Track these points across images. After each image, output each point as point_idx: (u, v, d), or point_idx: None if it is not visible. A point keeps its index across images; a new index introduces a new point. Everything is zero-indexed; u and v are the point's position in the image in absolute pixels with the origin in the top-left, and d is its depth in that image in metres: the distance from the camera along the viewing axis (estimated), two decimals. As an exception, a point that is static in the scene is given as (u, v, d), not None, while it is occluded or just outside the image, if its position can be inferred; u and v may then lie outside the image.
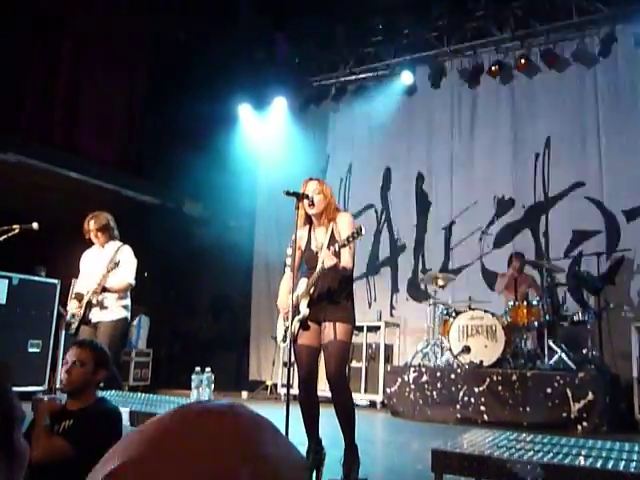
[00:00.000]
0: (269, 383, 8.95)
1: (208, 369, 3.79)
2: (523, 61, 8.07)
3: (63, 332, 7.58)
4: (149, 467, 0.50)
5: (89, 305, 4.55)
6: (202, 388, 3.65)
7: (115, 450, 0.53)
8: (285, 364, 8.10)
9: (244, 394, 8.91)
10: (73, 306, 4.65)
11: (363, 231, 3.28)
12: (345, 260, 3.50)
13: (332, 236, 3.59)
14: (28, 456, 1.02)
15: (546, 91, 8.16)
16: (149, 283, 10.49)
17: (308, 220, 3.74)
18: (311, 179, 3.71)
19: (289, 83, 9.99)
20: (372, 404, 7.61)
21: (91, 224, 4.83)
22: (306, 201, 3.60)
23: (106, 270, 4.55)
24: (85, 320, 4.57)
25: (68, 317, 4.72)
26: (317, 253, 3.63)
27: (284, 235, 9.55)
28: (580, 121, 8.01)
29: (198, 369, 3.81)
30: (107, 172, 9.30)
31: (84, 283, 4.78)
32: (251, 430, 0.54)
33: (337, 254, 3.40)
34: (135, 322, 9.50)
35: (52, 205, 9.46)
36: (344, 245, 3.33)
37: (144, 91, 10.18)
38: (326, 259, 3.39)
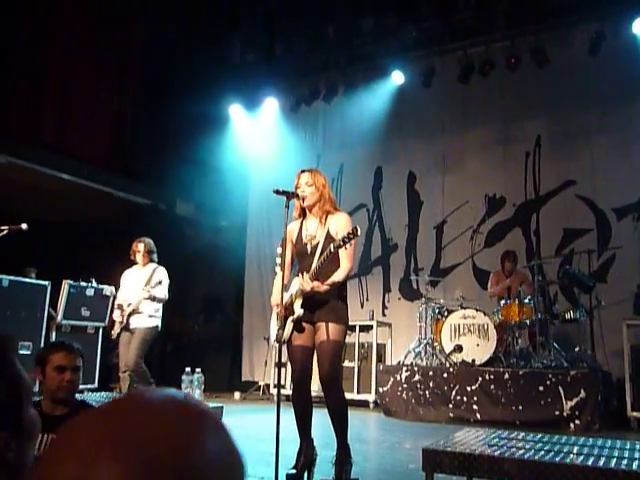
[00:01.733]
0: (262, 384, 8.94)
1: (198, 370, 3.77)
2: (513, 60, 8.08)
3: (54, 334, 7.54)
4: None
5: (130, 314, 5.46)
6: (192, 389, 3.63)
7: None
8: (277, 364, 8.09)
9: (237, 395, 8.89)
10: (117, 315, 5.54)
11: (359, 232, 3.27)
12: (342, 267, 3.53)
13: (328, 234, 3.58)
14: (40, 426, 1.02)
15: (536, 90, 8.17)
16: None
17: (302, 212, 3.75)
18: (303, 171, 3.71)
19: (280, 83, 9.98)
20: (365, 403, 7.60)
21: (140, 247, 5.76)
22: (298, 191, 3.62)
23: (150, 287, 5.50)
24: (126, 327, 5.47)
25: (116, 320, 5.57)
26: (306, 245, 3.63)
27: (276, 235, 9.55)
28: (570, 120, 8.04)
29: (188, 370, 3.79)
30: (98, 173, 9.25)
31: (125, 295, 5.65)
32: (192, 421, 0.52)
33: (333, 257, 3.41)
34: (126, 323, 9.46)
35: (43, 206, 9.42)
36: (340, 246, 3.32)
37: (135, 92, 10.12)
38: (304, 284, 3.46)
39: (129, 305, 5.52)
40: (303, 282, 3.46)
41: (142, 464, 0.46)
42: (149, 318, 5.61)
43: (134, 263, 5.94)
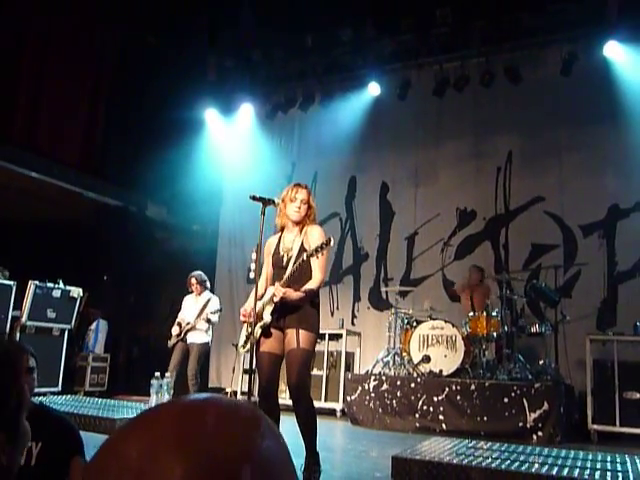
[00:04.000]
0: (229, 390, 8.86)
1: (168, 374, 3.74)
2: (487, 76, 8.23)
3: (17, 334, 7.39)
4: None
5: (187, 331, 6.67)
6: (161, 393, 3.60)
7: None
8: (246, 371, 8.05)
9: (203, 401, 8.79)
10: (175, 330, 6.72)
11: (332, 242, 3.30)
12: (314, 278, 3.55)
13: (302, 246, 3.61)
14: (29, 437, 1.05)
15: (509, 107, 8.33)
16: (109, 287, 10.32)
17: (281, 226, 3.77)
18: (300, 185, 3.72)
19: (256, 89, 9.98)
20: (332, 412, 7.60)
21: (193, 280, 6.90)
22: (290, 209, 3.62)
23: (210, 312, 6.70)
24: (182, 339, 6.65)
25: (173, 334, 6.75)
26: (282, 256, 3.65)
27: (248, 241, 9.53)
28: (541, 137, 8.20)
29: (158, 374, 3.76)
30: (68, 173, 9.12)
31: (183, 316, 6.82)
32: (252, 423, 0.54)
33: (305, 266, 3.42)
34: (93, 326, 9.32)
35: (10, 205, 9.25)
36: (312, 255, 3.34)
37: (108, 92, 10.02)
38: (275, 291, 3.47)
39: (187, 324, 6.70)
40: (275, 289, 3.47)
41: (204, 462, 0.48)
42: (204, 336, 6.75)
43: None
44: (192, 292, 7.00)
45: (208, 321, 6.73)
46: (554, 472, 2.37)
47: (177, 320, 6.85)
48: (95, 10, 9.44)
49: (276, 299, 3.45)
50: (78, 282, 8.25)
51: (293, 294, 3.46)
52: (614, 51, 7.71)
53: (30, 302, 7.55)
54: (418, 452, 2.65)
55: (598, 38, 7.75)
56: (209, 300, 6.88)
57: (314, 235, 3.63)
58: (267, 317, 3.53)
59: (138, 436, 0.50)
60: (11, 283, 7.39)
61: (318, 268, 3.56)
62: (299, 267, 3.44)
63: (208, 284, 7.10)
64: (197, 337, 6.72)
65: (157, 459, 0.48)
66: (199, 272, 7.05)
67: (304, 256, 3.35)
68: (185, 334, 6.70)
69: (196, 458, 0.48)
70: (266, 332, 3.57)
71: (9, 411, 1.01)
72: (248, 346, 3.53)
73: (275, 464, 0.52)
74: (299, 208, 3.64)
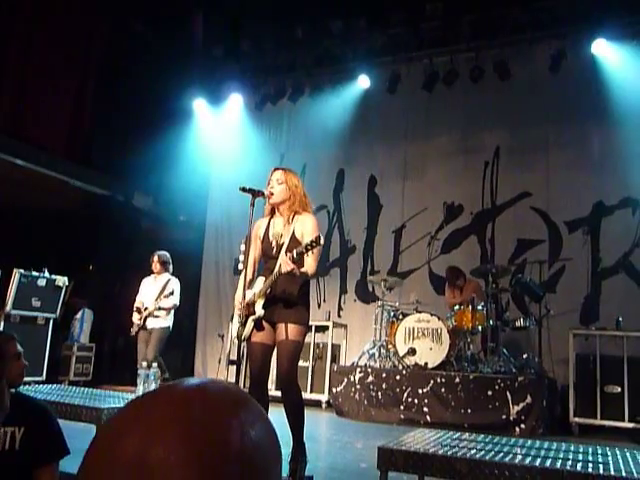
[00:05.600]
0: (214, 381, 8.87)
1: (155, 364, 3.74)
2: (476, 72, 8.27)
3: (2, 323, 7.35)
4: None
5: (147, 317, 6.34)
6: (148, 383, 3.60)
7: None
8: (232, 362, 8.06)
9: (188, 391, 8.80)
10: (136, 317, 6.39)
11: (322, 241, 3.27)
12: (308, 265, 3.51)
13: (293, 235, 3.58)
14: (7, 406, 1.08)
15: (497, 102, 8.38)
16: (94, 276, 10.27)
17: (271, 211, 3.74)
18: (277, 168, 3.71)
19: (246, 80, 9.95)
20: (317, 403, 7.64)
21: (154, 258, 6.61)
22: (266, 192, 3.60)
23: (163, 296, 6.38)
24: (143, 327, 6.33)
25: (134, 321, 6.41)
26: (272, 242, 3.63)
27: (235, 232, 9.52)
28: (529, 133, 8.26)
29: (145, 364, 3.76)
30: (55, 161, 9.04)
31: (142, 299, 6.48)
32: (242, 408, 0.55)
33: (298, 259, 3.39)
34: (78, 315, 9.28)
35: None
36: (302, 254, 3.32)
37: (97, 80, 9.94)
38: (283, 265, 3.35)
39: (146, 309, 6.39)
40: (282, 261, 3.35)
41: (205, 446, 0.49)
42: (164, 320, 6.43)
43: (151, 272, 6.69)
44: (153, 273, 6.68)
45: (159, 309, 6.39)
46: (537, 463, 2.41)
47: (135, 305, 6.51)
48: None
49: (284, 271, 3.33)
50: (63, 271, 8.20)
51: (296, 269, 3.35)
52: (602, 49, 7.77)
53: (15, 291, 7.50)
54: (403, 443, 2.68)
55: (586, 35, 7.81)
56: (168, 281, 6.55)
57: (307, 227, 3.58)
58: (259, 311, 3.53)
59: (130, 430, 0.50)
60: (-5, 271, 7.34)
61: (312, 259, 3.54)
62: (291, 260, 3.39)
63: (171, 267, 6.72)
64: (157, 322, 6.42)
65: (162, 441, 0.49)
66: (164, 252, 6.75)
67: (295, 253, 3.32)
68: (145, 320, 6.39)
69: (198, 442, 0.49)
70: (258, 325, 3.57)
71: None
72: (246, 332, 3.50)
73: (259, 450, 0.53)
74: (272, 188, 3.62)
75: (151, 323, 6.39)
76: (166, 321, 6.44)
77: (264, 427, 0.55)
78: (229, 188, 8.86)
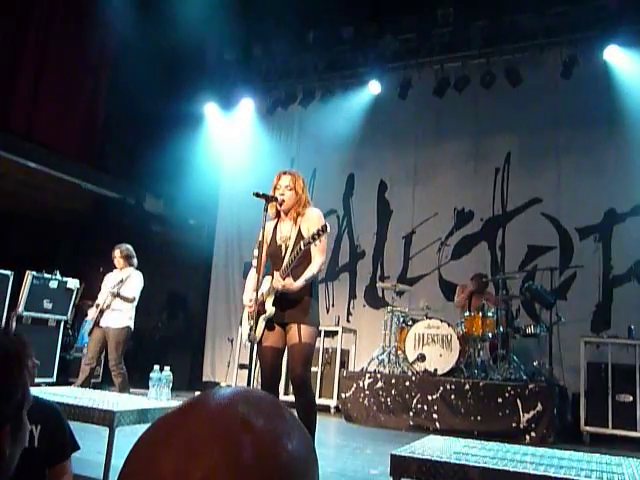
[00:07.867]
0: (223, 384, 8.90)
1: (167, 368, 3.76)
2: (487, 77, 8.26)
3: (14, 325, 7.39)
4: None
5: (102, 311, 5.91)
6: (161, 387, 3.61)
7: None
8: (242, 366, 8.07)
9: (197, 395, 8.82)
10: (91, 312, 6.01)
11: (328, 229, 3.28)
12: (314, 258, 3.53)
13: (299, 233, 3.60)
14: (28, 435, 1.06)
15: (508, 108, 8.36)
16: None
17: (277, 213, 3.75)
18: (284, 173, 3.72)
19: (257, 85, 9.98)
20: (326, 408, 7.63)
21: (116, 252, 6.16)
22: (278, 197, 3.62)
23: (116, 288, 5.93)
24: (97, 323, 5.92)
25: (89, 317, 6.07)
26: (281, 246, 3.64)
27: (245, 236, 9.53)
28: (540, 139, 8.24)
29: (157, 367, 3.77)
30: (67, 163, 9.10)
31: (103, 296, 6.05)
32: (283, 421, 0.55)
33: (305, 252, 3.41)
34: (89, 318, 9.30)
35: (9, 195, 9.22)
36: (309, 244, 3.32)
37: (110, 84, 9.99)
38: (275, 282, 3.46)
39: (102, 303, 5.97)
40: (275, 280, 3.45)
41: (244, 463, 0.49)
42: (119, 319, 5.95)
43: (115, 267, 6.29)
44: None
45: (116, 295, 5.87)
46: (551, 472, 2.40)
47: (96, 302, 6.09)
48: (98, 2, 9.39)
49: (277, 288, 3.44)
50: (75, 273, 8.24)
51: (292, 286, 3.44)
52: (614, 55, 7.75)
53: (27, 292, 7.54)
54: (416, 450, 2.68)
55: (598, 42, 7.79)
56: (129, 276, 6.06)
57: (312, 218, 3.61)
58: (270, 309, 3.53)
59: (169, 445, 0.50)
60: (8, 273, 7.37)
61: (318, 252, 3.54)
62: (297, 256, 3.40)
63: (135, 261, 6.23)
64: (113, 320, 5.90)
65: (199, 458, 0.48)
66: (127, 245, 6.27)
67: (301, 244, 3.33)
68: (99, 316, 5.89)
69: (233, 463, 0.49)
70: (270, 325, 3.57)
71: (15, 406, 1.03)
72: (257, 332, 3.52)
73: (300, 463, 0.53)
74: (283, 195, 3.63)
75: (106, 320, 5.92)
76: (124, 320, 5.94)
77: (302, 435, 0.56)
78: (240, 192, 8.89)
